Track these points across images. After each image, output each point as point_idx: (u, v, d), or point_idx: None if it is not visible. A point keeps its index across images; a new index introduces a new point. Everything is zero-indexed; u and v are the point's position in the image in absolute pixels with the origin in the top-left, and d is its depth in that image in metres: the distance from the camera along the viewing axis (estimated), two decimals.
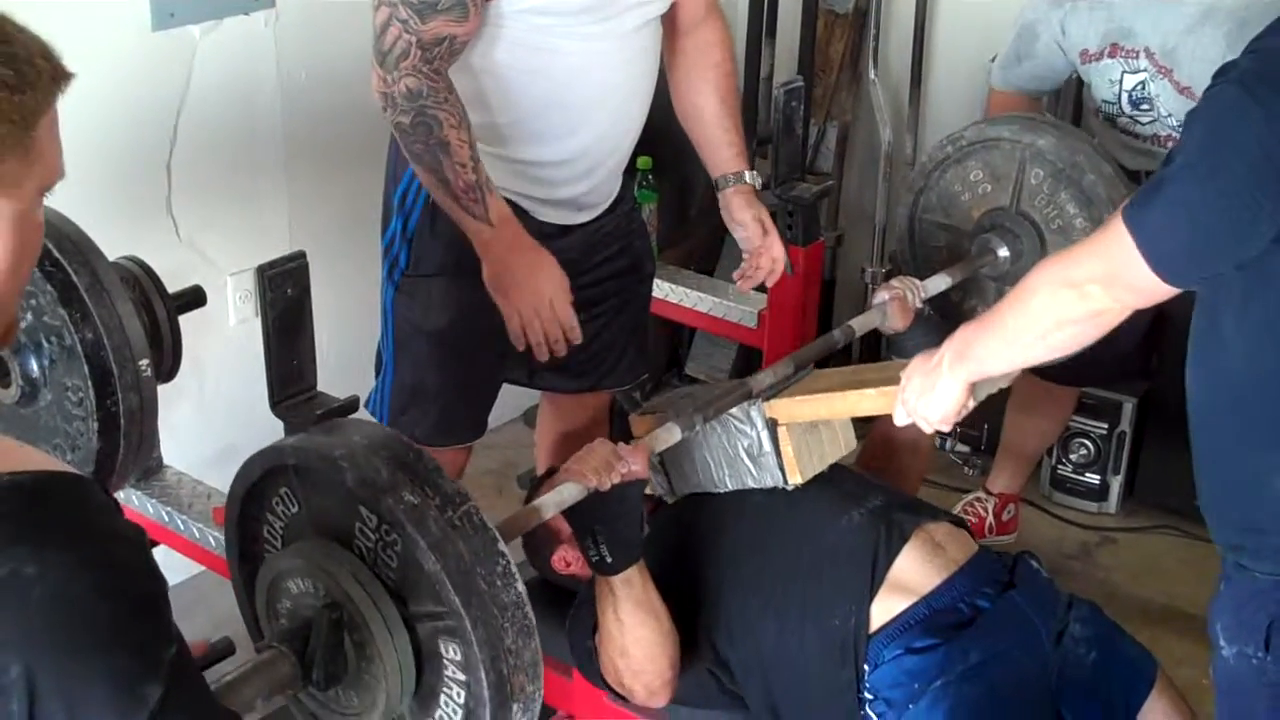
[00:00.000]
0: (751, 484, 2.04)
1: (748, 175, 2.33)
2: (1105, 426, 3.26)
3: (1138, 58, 2.58)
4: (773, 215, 2.40)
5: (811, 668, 1.94)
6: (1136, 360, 2.96)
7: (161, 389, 1.95)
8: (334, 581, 1.49)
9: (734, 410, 2.00)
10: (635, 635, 1.90)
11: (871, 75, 3.57)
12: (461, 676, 1.48)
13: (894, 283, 2.27)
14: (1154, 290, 1.51)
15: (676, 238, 3.48)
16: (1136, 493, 3.35)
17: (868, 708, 1.91)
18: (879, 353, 3.23)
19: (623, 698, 2.00)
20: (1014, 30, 2.77)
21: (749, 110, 3.45)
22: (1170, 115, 2.59)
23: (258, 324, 2.09)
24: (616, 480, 1.79)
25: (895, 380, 1.89)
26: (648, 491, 2.07)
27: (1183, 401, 1.67)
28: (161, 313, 2.03)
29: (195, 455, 2.66)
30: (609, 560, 1.84)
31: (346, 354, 2.64)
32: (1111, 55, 2.61)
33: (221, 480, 1.75)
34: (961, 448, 3.52)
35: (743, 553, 2.03)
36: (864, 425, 2.19)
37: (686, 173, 3.29)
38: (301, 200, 3.02)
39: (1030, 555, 2.08)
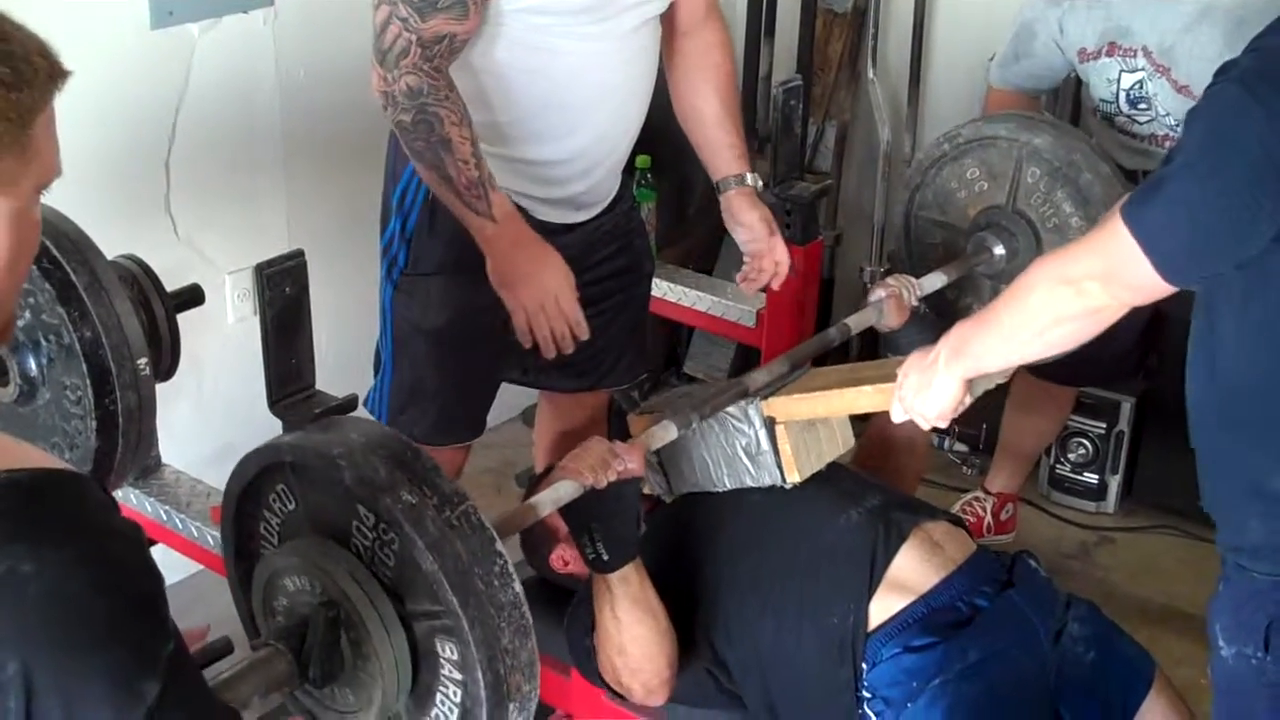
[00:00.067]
0: (750, 483, 2.03)
1: (749, 177, 2.32)
2: (1103, 426, 3.27)
3: (1135, 56, 2.58)
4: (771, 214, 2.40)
5: (809, 666, 1.94)
6: (1134, 360, 2.96)
7: (160, 388, 1.95)
8: (331, 580, 1.49)
9: (732, 409, 2.00)
10: (632, 634, 1.90)
11: (870, 74, 3.57)
12: (458, 676, 1.48)
13: (890, 280, 2.27)
14: (1152, 288, 1.51)
15: (675, 237, 3.49)
16: (1135, 492, 3.35)
17: (866, 706, 1.91)
18: (877, 351, 3.23)
19: (620, 696, 2.00)
20: (1012, 29, 2.78)
21: (748, 109, 3.45)
22: (1168, 114, 2.59)
23: (256, 323, 2.09)
24: (612, 478, 1.79)
25: (893, 378, 1.89)
26: (646, 491, 2.07)
27: (1181, 401, 1.67)
28: (160, 311, 2.03)
29: (194, 454, 2.66)
30: (605, 558, 1.84)
31: (345, 353, 2.65)
32: (1109, 54, 2.61)
33: (220, 479, 1.75)
34: (960, 447, 3.52)
35: (740, 551, 2.03)
36: (861, 424, 2.19)
37: (685, 172, 3.29)
38: (300, 199, 3.02)
39: (1028, 554, 2.08)
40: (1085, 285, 1.54)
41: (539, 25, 2.05)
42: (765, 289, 2.45)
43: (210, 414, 2.97)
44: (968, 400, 1.82)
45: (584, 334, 2.15)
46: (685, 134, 2.38)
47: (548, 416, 2.66)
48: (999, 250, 2.45)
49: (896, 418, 1.89)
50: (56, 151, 1.04)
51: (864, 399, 1.98)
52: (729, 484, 2.05)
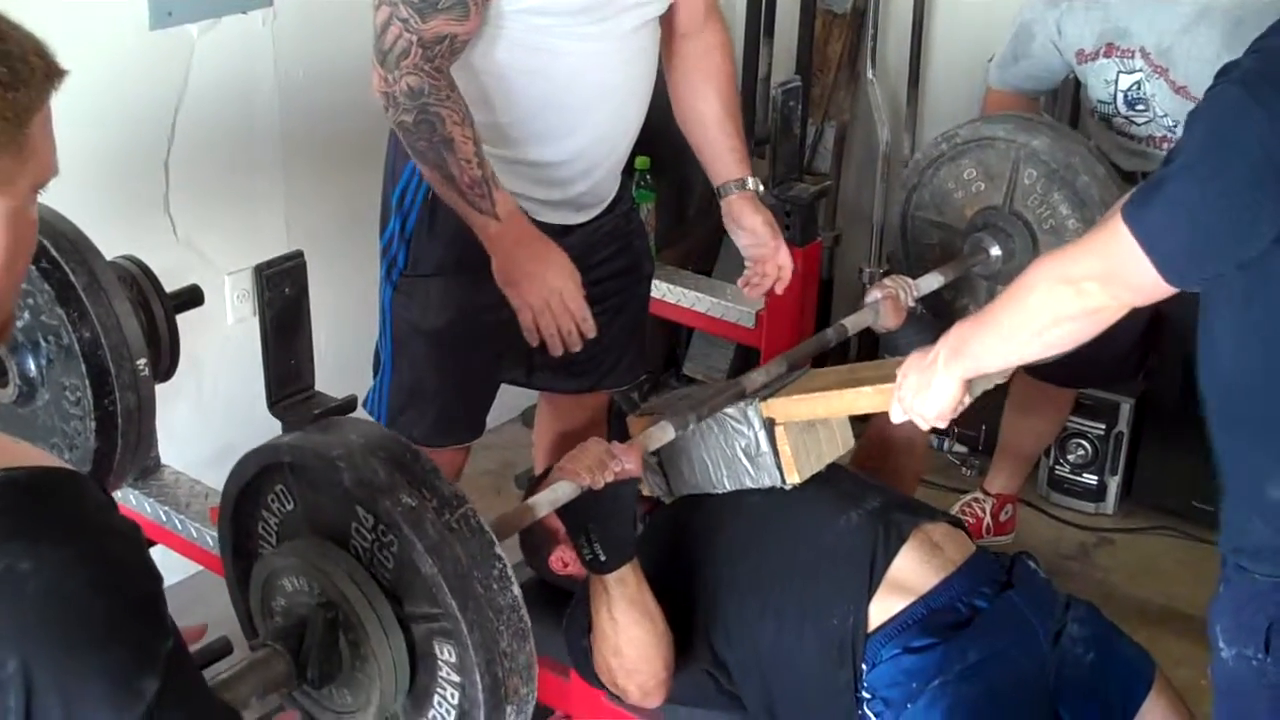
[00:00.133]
0: (749, 484, 2.03)
1: (750, 181, 2.31)
2: (1103, 427, 3.26)
3: (1133, 57, 2.58)
4: None
5: (809, 668, 1.94)
6: (1134, 361, 2.95)
7: (159, 388, 1.95)
8: (330, 581, 1.48)
9: (731, 410, 2.00)
10: (629, 635, 1.90)
11: (869, 75, 3.57)
12: (456, 678, 1.48)
13: (887, 281, 2.27)
14: (1152, 289, 1.51)
15: (675, 238, 3.48)
16: (1134, 493, 3.35)
17: (865, 707, 1.91)
18: (877, 351, 3.23)
19: (618, 697, 2.00)
20: (1011, 30, 2.78)
21: (747, 110, 3.44)
22: (1166, 115, 2.59)
23: (255, 323, 2.08)
24: (610, 479, 1.79)
25: (892, 378, 1.89)
26: (645, 492, 2.07)
27: (1179, 402, 1.67)
28: (159, 312, 2.03)
29: (193, 454, 2.65)
30: (602, 559, 1.84)
31: (344, 354, 2.65)
32: (1107, 55, 2.61)
33: (219, 480, 1.75)
34: (959, 448, 3.52)
35: (740, 553, 2.03)
36: (861, 425, 2.19)
37: (685, 173, 3.29)
38: (299, 199, 3.02)
39: (1028, 555, 2.08)
40: (1085, 285, 1.54)
41: (539, 26, 2.05)
42: (767, 293, 2.44)
43: (209, 415, 2.97)
44: (967, 400, 1.82)
45: (591, 331, 2.15)
46: (685, 136, 2.37)
47: (547, 418, 2.66)
48: (995, 251, 2.45)
49: (896, 418, 1.89)
50: (53, 151, 1.04)
51: (863, 400, 1.98)
52: (728, 485, 2.05)
